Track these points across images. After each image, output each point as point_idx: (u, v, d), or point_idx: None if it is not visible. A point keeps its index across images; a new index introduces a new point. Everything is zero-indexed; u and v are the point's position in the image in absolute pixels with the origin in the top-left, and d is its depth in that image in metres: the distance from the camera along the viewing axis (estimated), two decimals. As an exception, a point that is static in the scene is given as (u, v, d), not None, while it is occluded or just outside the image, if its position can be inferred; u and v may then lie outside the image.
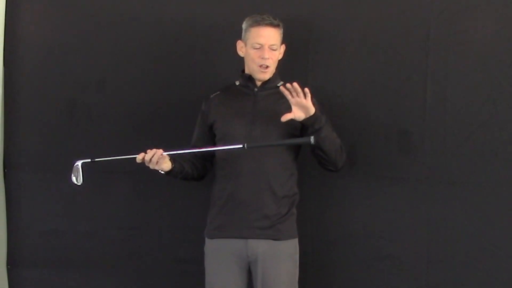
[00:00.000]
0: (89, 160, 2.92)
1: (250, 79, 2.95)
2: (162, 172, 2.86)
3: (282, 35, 2.95)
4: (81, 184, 2.93)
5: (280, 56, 3.00)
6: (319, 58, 3.29)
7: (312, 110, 2.78)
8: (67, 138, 3.61)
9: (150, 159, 2.79)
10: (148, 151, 2.80)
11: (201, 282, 3.06)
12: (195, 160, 3.04)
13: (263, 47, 2.87)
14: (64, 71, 3.61)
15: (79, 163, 2.93)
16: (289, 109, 2.88)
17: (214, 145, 2.97)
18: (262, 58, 2.87)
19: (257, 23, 2.89)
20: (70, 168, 3.26)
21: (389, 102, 3.21)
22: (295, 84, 2.77)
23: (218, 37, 3.28)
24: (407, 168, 3.18)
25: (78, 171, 2.93)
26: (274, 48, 2.89)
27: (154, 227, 3.54)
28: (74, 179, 2.94)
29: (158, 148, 2.90)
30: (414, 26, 3.15)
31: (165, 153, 2.83)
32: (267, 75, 2.94)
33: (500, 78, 3.03)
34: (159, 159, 2.81)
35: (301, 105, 2.77)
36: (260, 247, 2.86)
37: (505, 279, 3.08)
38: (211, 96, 3.05)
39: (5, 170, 3.64)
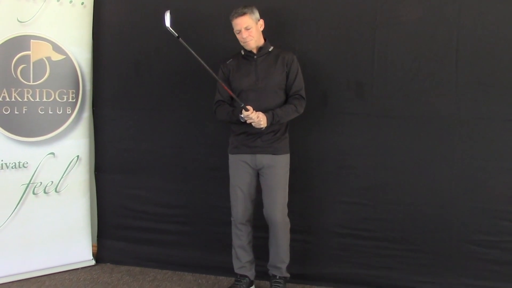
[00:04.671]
0: (177, 35, 3.21)
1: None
2: (243, 120, 3.38)
3: (253, 15, 3.45)
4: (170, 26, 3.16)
5: (261, 28, 3.51)
6: (303, 33, 3.84)
7: (264, 123, 3.36)
8: (134, 87, 4.22)
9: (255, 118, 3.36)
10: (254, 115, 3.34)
11: (224, 183, 3.74)
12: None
13: (241, 31, 3.46)
14: (132, 41, 4.22)
15: (167, 20, 3.15)
16: (278, 68, 3.48)
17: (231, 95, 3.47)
18: (243, 37, 3.47)
19: (232, 18, 3.48)
20: (137, 107, 4.15)
21: (349, 63, 3.78)
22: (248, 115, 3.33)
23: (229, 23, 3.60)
24: (361, 107, 3.78)
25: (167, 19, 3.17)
26: (249, 28, 3.43)
27: (193, 146, 4.12)
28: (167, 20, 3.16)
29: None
30: (366, 12, 3.75)
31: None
32: (251, 45, 3.49)
33: (423, 46, 3.65)
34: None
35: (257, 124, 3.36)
36: (264, 159, 3.52)
37: (426, 182, 3.72)
38: (227, 62, 3.60)
39: (94, 108, 4.28)
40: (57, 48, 4.07)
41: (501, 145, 3.62)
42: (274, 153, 3.55)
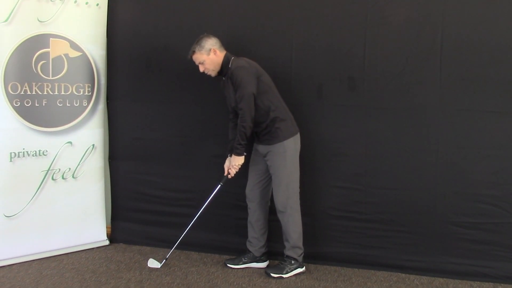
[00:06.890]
0: (161, 264, 3.76)
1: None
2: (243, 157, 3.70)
3: (202, 49, 3.62)
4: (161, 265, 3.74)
5: (214, 59, 3.65)
6: (300, 32, 3.99)
7: (240, 160, 3.68)
8: (145, 81, 4.33)
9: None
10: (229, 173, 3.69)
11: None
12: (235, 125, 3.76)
13: (198, 66, 3.70)
14: (143, 39, 4.32)
15: (155, 265, 3.77)
16: (231, 86, 3.63)
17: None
18: (202, 71, 3.72)
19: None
20: (147, 100, 4.26)
21: (343, 59, 3.90)
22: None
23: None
24: (353, 99, 3.90)
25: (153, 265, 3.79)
26: (202, 62, 3.66)
27: (197, 135, 4.24)
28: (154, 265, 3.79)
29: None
30: (357, 13, 3.88)
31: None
32: (211, 74, 3.74)
33: (410, 44, 3.78)
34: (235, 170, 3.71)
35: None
36: (263, 149, 3.79)
37: (413, 168, 3.85)
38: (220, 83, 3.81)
39: (108, 101, 4.40)
40: (74, 46, 4.20)
41: (481, 134, 3.75)
42: (267, 143, 3.78)
